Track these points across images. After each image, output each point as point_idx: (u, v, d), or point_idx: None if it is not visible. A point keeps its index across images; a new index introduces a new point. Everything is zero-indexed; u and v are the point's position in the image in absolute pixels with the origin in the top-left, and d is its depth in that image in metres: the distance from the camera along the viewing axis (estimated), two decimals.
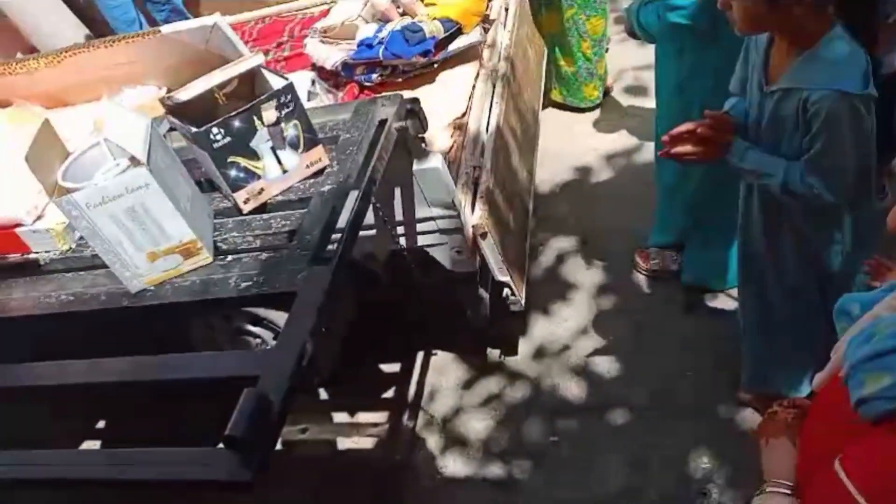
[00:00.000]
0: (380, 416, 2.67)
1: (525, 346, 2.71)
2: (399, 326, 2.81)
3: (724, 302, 2.58)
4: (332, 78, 2.67)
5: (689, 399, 2.34)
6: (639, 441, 2.29)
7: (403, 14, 2.65)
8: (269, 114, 1.50)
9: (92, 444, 2.84)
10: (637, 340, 2.58)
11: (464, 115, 2.36)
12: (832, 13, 1.43)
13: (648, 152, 3.26)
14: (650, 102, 3.50)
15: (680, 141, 1.63)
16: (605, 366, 2.55)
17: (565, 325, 2.72)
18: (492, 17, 2.71)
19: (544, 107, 3.45)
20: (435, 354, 2.80)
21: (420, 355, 2.81)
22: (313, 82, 2.62)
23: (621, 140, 3.38)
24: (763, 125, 1.60)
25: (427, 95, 2.33)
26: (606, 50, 3.55)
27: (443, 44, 2.53)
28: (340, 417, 2.70)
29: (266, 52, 2.96)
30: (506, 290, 2.33)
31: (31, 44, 3.40)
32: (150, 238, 1.45)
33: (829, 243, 1.71)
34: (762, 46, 1.58)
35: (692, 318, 2.58)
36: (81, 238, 1.76)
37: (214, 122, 1.48)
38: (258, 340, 2.28)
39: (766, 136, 1.60)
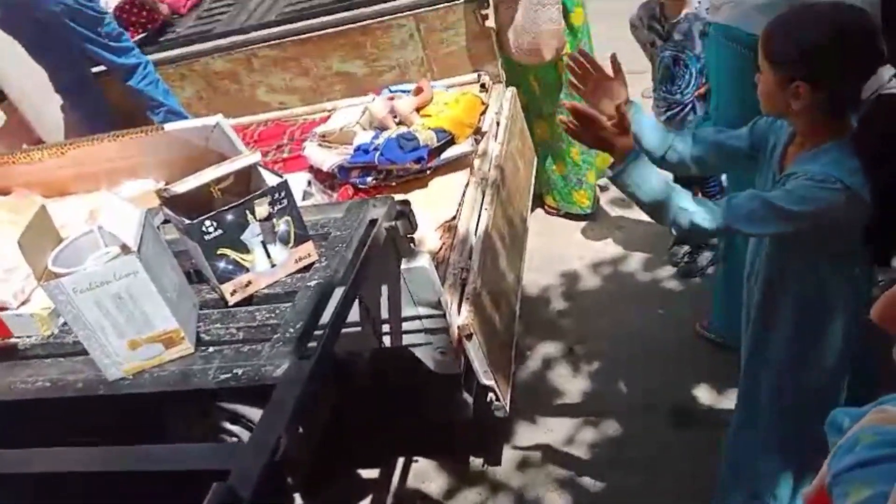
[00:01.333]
0: None
1: (509, 455, 2.64)
2: (379, 429, 2.74)
3: (715, 416, 2.54)
4: (328, 179, 2.76)
5: None
6: None
7: (399, 123, 2.77)
8: (262, 209, 1.55)
9: None
10: (623, 454, 2.52)
11: (454, 218, 2.42)
12: (851, 126, 1.47)
13: (636, 263, 3.33)
14: (637, 214, 3.61)
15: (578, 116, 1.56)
16: (590, 479, 2.48)
17: (551, 435, 2.67)
18: (483, 130, 2.83)
19: (535, 209, 3.53)
20: (416, 461, 2.72)
21: (400, 461, 2.73)
22: (309, 182, 2.71)
23: (608, 250, 3.44)
24: None
25: (419, 199, 2.40)
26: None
27: (436, 152, 2.64)
28: None
29: (266, 153, 3.06)
30: (490, 395, 2.30)
31: (38, 135, 3.51)
32: (134, 326, 1.45)
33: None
34: (783, 141, 1.61)
35: (681, 432, 2.54)
36: (65, 324, 1.75)
37: (207, 215, 1.51)
38: (234, 439, 2.23)
39: None
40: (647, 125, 1.75)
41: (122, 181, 2.15)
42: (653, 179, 1.54)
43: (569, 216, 3.70)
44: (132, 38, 3.44)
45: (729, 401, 2.54)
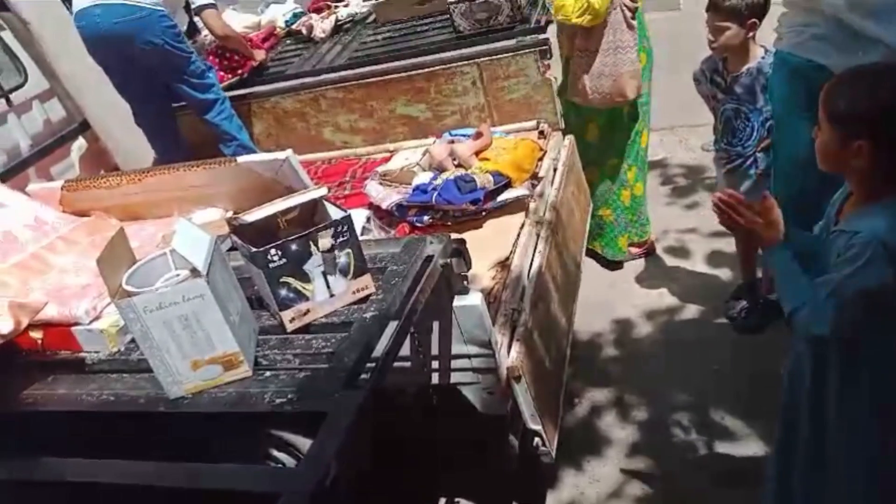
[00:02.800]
0: None
1: (553, 502, 2.60)
2: (422, 466, 2.74)
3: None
4: (386, 217, 2.83)
5: None
6: None
7: (458, 166, 2.83)
8: (325, 241, 1.61)
9: None
10: None
11: (507, 258, 2.45)
12: None
13: (690, 314, 3.28)
14: (691, 265, 3.58)
15: (731, 209, 1.67)
16: None
17: (598, 486, 2.62)
18: (540, 175, 2.87)
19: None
20: (458, 502, 2.70)
21: (442, 502, 2.71)
22: (368, 219, 2.78)
23: (663, 300, 3.40)
24: (816, 263, 1.62)
25: (474, 239, 2.44)
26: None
27: (492, 195, 2.68)
28: None
29: (329, 189, 3.16)
30: (537, 440, 2.28)
31: (116, 163, 3.71)
32: (197, 346, 1.51)
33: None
34: (840, 197, 1.64)
35: (732, 493, 2.45)
36: (131, 342, 1.84)
37: (273, 244, 1.58)
38: (280, 466, 2.26)
39: (815, 273, 1.60)
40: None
41: (194, 209, 2.26)
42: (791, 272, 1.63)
43: (614, 264, 3.68)
44: (222, 81, 3.60)
45: None
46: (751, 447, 2.59)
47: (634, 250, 3.67)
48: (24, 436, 1.92)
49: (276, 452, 2.25)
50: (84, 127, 3.78)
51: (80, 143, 3.77)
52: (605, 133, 3.42)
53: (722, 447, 2.62)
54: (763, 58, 2.62)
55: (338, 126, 3.59)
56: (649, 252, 3.69)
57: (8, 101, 3.56)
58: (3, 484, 1.68)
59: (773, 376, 2.77)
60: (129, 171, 2.42)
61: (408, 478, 2.70)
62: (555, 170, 2.99)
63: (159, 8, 3.19)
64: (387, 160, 3.19)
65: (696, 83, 2.95)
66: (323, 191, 1.70)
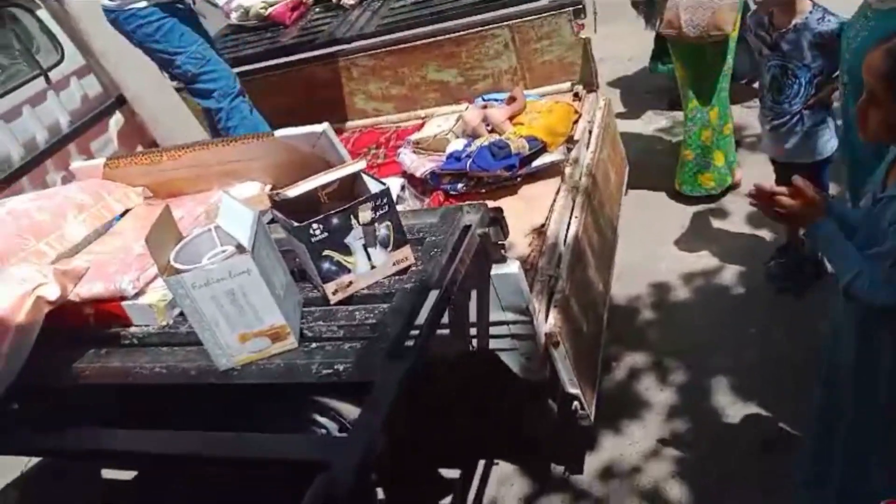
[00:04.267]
0: None
1: (592, 464, 2.63)
2: (462, 430, 2.79)
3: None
4: (420, 185, 2.84)
5: None
6: None
7: (492, 131, 2.82)
8: (365, 214, 1.62)
9: None
10: (710, 473, 2.46)
11: (543, 224, 2.44)
12: None
13: (730, 277, 3.24)
14: (731, 226, 3.53)
15: (768, 199, 1.65)
16: (675, 494, 2.43)
17: (636, 447, 2.64)
18: (576, 139, 2.84)
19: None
20: (497, 464, 2.75)
21: (481, 463, 2.76)
22: (403, 188, 2.79)
23: (702, 262, 3.36)
24: (862, 231, 1.60)
25: (509, 206, 2.43)
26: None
27: (527, 160, 2.67)
28: None
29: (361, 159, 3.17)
30: (575, 403, 2.30)
31: (153, 138, 3.76)
32: (245, 320, 1.55)
33: None
34: (886, 164, 1.61)
35: (769, 457, 2.45)
36: (178, 315, 1.89)
37: (315, 219, 1.60)
38: (323, 431, 2.33)
39: (862, 241, 1.59)
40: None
41: (233, 183, 2.29)
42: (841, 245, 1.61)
43: (693, 199, 3.71)
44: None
45: None
46: (791, 410, 2.57)
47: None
48: (79, 408, 2.01)
49: (319, 418, 2.31)
50: (120, 102, 3.83)
51: (117, 118, 3.83)
52: (689, 71, 3.41)
53: (762, 410, 2.61)
54: (811, 13, 2.53)
55: (369, 94, 3.58)
56: (733, 187, 3.71)
57: (47, 78, 3.62)
58: (63, 454, 1.77)
59: (814, 337, 2.76)
60: (169, 147, 2.46)
61: (448, 441, 2.76)
62: (590, 132, 2.96)
63: (126, 8, 2.94)
64: (419, 127, 3.18)
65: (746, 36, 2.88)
66: (361, 164, 1.71)
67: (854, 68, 2.03)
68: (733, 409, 2.65)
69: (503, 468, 2.72)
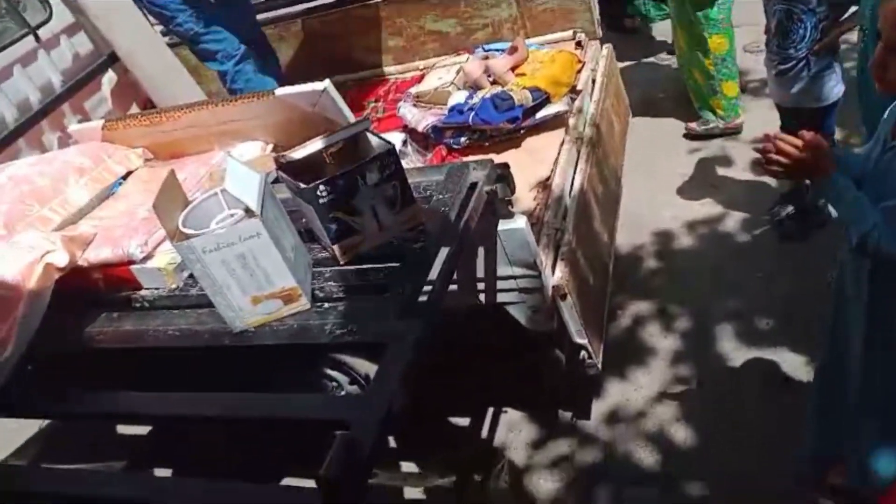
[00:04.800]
0: (447, 469, 2.67)
1: (598, 410, 2.68)
2: (472, 380, 2.83)
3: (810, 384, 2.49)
4: (422, 139, 2.81)
5: (769, 480, 2.26)
6: None
7: (494, 83, 2.77)
8: (372, 174, 1.61)
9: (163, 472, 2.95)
10: (715, 416, 2.51)
11: (548, 178, 2.43)
12: None
13: (733, 223, 3.24)
14: (734, 172, 3.51)
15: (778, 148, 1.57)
16: (681, 437, 2.49)
17: (641, 392, 2.69)
18: (579, 88, 2.80)
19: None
20: (505, 412, 2.80)
21: (490, 411, 2.82)
22: (405, 142, 2.76)
23: (705, 209, 3.36)
24: (870, 179, 1.58)
25: (513, 160, 2.41)
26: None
27: (530, 112, 2.63)
28: (408, 466, 2.71)
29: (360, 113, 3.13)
30: (583, 353, 2.33)
31: (148, 96, 3.70)
32: (256, 283, 1.56)
33: None
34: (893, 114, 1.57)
35: (775, 398, 2.50)
36: (188, 278, 1.90)
37: (322, 180, 1.59)
38: (334, 384, 2.36)
39: (870, 190, 1.56)
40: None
41: (234, 143, 2.27)
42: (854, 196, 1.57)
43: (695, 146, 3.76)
44: None
45: None
46: (796, 354, 2.61)
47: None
48: (92, 372, 2.04)
49: (330, 371, 2.35)
50: (112, 59, 3.74)
51: (110, 76, 3.75)
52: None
53: (766, 354, 2.65)
54: None
55: (366, 46, 3.51)
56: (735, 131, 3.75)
57: (36, 37, 3.52)
58: (81, 417, 1.79)
59: (818, 282, 2.79)
60: (168, 107, 2.43)
61: (457, 391, 2.80)
62: (593, 82, 2.91)
63: None
64: (418, 80, 3.13)
65: None
66: (366, 124, 1.69)
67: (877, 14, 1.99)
68: (738, 354, 2.69)
69: (511, 415, 2.77)
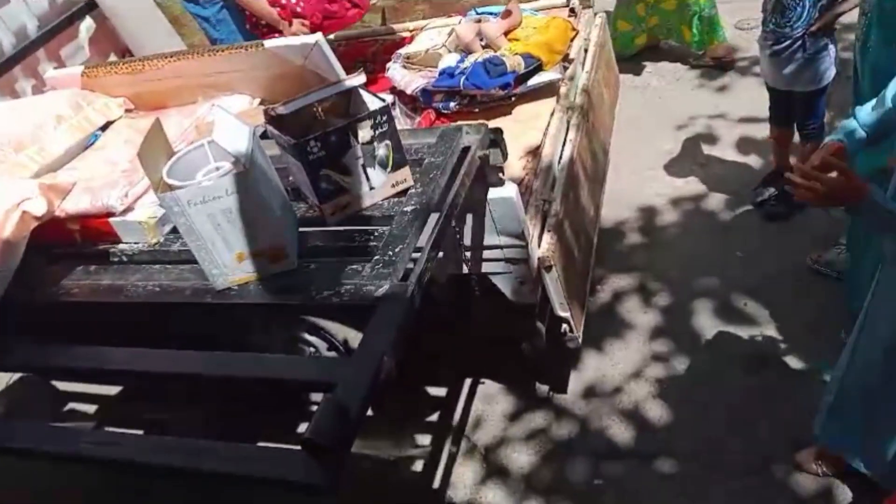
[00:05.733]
0: (422, 439, 2.68)
1: (575, 384, 2.69)
2: (450, 350, 2.83)
3: (791, 362, 2.53)
4: (410, 102, 2.75)
5: (741, 456, 2.30)
6: (686, 494, 2.25)
7: (486, 47, 2.72)
8: (365, 132, 1.57)
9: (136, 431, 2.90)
10: (691, 392, 2.54)
11: (538, 147, 2.40)
12: None
13: (716, 202, 3.25)
14: (720, 151, 3.51)
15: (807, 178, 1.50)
16: (656, 413, 2.52)
17: (619, 367, 2.70)
18: (571, 57, 2.76)
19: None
20: (483, 383, 2.80)
21: (468, 382, 2.81)
22: (393, 104, 2.70)
23: (689, 187, 3.37)
24: None
25: (503, 126, 2.37)
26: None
27: (522, 78, 2.58)
28: (383, 435, 2.71)
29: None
30: (564, 326, 2.33)
31: (126, 46, 3.58)
32: (241, 240, 1.52)
33: None
34: None
35: (750, 377, 2.53)
36: (170, 232, 1.84)
37: (313, 136, 1.54)
38: (312, 349, 2.33)
39: None
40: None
41: (219, 95, 2.19)
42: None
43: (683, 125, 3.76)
44: None
45: (805, 350, 2.52)
46: (772, 333, 2.65)
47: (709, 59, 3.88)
48: (68, 325, 1.98)
49: (308, 336, 2.32)
50: (91, 6, 3.60)
51: (88, 24, 3.60)
52: None
53: (743, 332, 2.68)
54: None
55: (354, 4, 3.41)
56: (726, 67, 3.84)
57: None
58: (58, 371, 1.74)
59: (798, 263, 2.82)
60: (151, 56, 2.33)
61: (435, 361, 2.80)
62: (586, 51, 2.87)
63: None
64: (408, 41, 3.06)
65: None
66: (361, 79, 1.64)
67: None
68: (715, 332, 2.71)
69: (488, 387, 2.78)
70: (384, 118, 1.61)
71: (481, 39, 2.74)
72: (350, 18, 3.12)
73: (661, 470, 2.35)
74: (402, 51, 2.90)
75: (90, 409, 3.09)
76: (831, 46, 2.60)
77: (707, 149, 3.54)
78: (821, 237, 2.88)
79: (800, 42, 2.59)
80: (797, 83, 2.68)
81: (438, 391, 2.83)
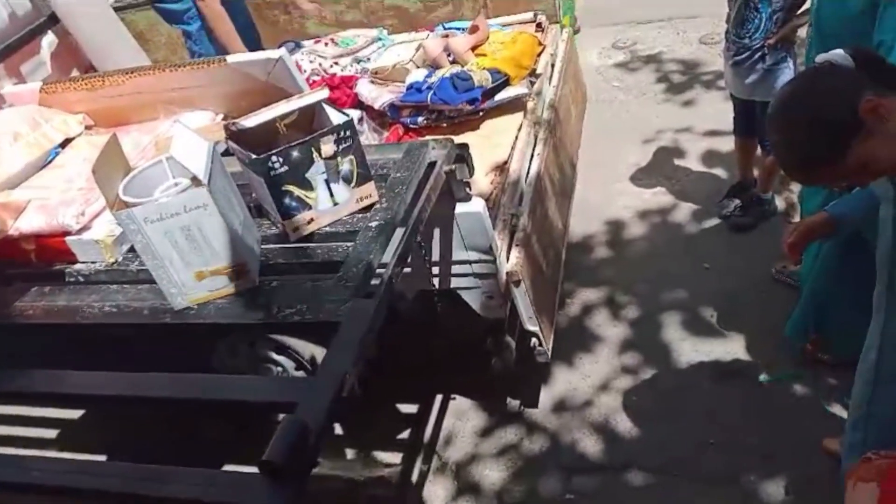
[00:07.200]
0: (393, 457, 2.64)
1: (546, 398, 2.68)
2: (420, 366, 2.80)
3: (758, 372, 2.54)
4: (378, 117, 2.74)
5: (712, 468, 2.30)
6: None
7: (454, 62, 2.72)
8: (328, 147, 1.55)
9: (99, 457, 2.83)
10: (660, 404, 2.54)
11: (506, 162, 2.40)
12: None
13: (683, 214, 3.28)
14: (686, 163, 3.56)
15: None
16: (626, 426, 2.51)
17: (589, 381, 2.70)
18: (538, 72, 2.77)
19: None
20: (454, 398, 2.78)
21: (439, 398, 2.79)
22: (360, 120, 2.69)
23: (657, 199, 3.39)
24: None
25: (471, 141, 2.37)
26: None
27: (490, 93, 2.60)
28: (353, 454, 2.67)
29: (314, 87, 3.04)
30: (533, 340, 2.33)
31: (90, 61, 3.52)
32: (201, 258, 1.48)
33: None
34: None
35: (719, 387, 2.54)
36: (128, 252, 1.80)
37: (274, 151, 1.52)
38: (279, 369, 2.29)
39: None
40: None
41: (180, 111, 2.16)
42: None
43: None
44: None
45: (772, 360, 2.54)
46: (739, 343, 2.66)
47: None
48: (26, 347, 1.92)
49: (274, 355, 2.28)
50: (53, 21, 3.54)
51: (50, 39, 3.54)
52: None
53: (710, 343, 2.69)
54: None
55: (322, 18, 3.42)
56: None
57: None
58: (11, 396, 1.68)
59: (764, 274, 2.85)
60: (112, 71, 2.29)
61: (406, 378, 2.77)
62: (553, 66, 2.89)
63: None
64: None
65: None
66: (324, 93, 1.62)
67: (822, 18, 2.01)
68: (685, 343, 2.72)
69: (460, 403, 2.75)
70: (348, 133, 1.59)
71: (449, 54, 2.75)
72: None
73: (633, 482, 2.34)
74: (370, 66, 2.90)
75: (49, 433, 3.00)
76: (789, 59, 2.65)
77: (674, 162, 3.58)
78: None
79: (759, 53, 2.63)
80: (757, 93, 2.73)
81: (409, 408, 2.80)
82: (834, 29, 1.93)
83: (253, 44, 3.19)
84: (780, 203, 3.12)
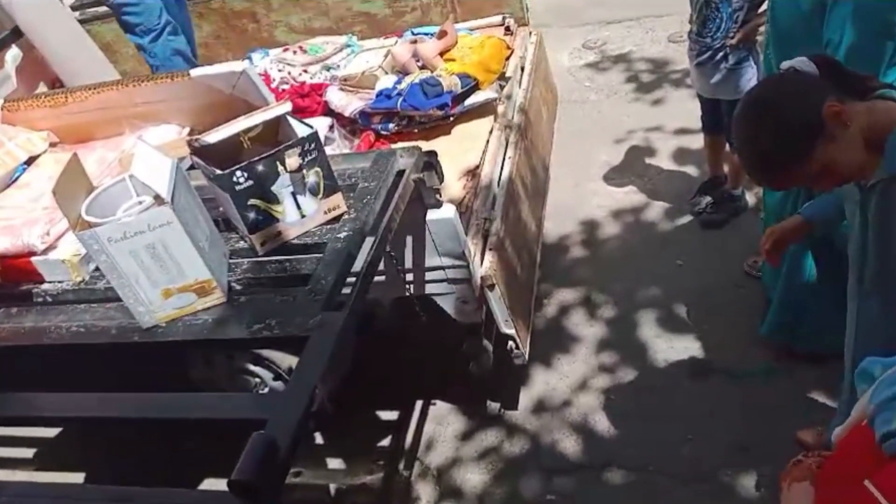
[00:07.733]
0: (375, 465, 2.64)
1: (525, 400, 2.69)
2: (399, 373, 2.80)
3: (733, 367, 2.57)
4: (349, 125, 2.74)
5: (690, 465, 2.32)
6: None
7: (423, 67, 2.73)
8: (293, 160, 1.54)
9: (79, 477, 2.79)
10: (638, 402, 2.56)
11: (477, 166, 2.41)
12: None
13: (656, 212, 3.31)
14: (657, 162, 3.59)
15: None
16: (605, 425, 2.53)
17: (567, 381, 2.71)
18: (508, 75, 2.78)
19: None
20: (434, 404, 2.78)
21: (419, 404, 2.79)
22: (331, 128, 2.69)
23: (629, 198, 3.42)
24: (872, 220, 1.45)
25: (442, 146, 2.39)
26: None
27: (459, 98, 2.60)
28: (335, 463, 2.67)
29: (283, 96, 3.03)
30: (510, 343, 2.33)
31: (56, 75, 3.47)
32: (167, 275, 1.47)
33: None
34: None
35: (696, 383, 2.57)
36: (96, 270, 1.78)
37: (238, 166, 1.51)
38: (257, 380, 2.28)
39: (877, 229, 1.44)
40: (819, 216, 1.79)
41: (146, 126, 2.14)
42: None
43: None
44: None
45: (747, 354, 2.57)
46: (714, 339, 2.69)
47: None
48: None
49: (251, 367, 2.26)
50: (17, 35, 3.49)
51: (14, 53, 3.49)
52: None
53: (686, 340, 2.71)
54: None
55: (291, 26, 3.41)
56: None
57: None
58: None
59: (736, 270, 2.89)
60: (76, 87, 2.27)
61: (385, 385, 2.76)
62: (522, 69, 2.90)
63: None
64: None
65: None
66: (287, 106, 1.62)
67: (777, 18, 2.03)
68: (661, 340, 2.75)
69: (440, 408, 2.75)
70: (312, 145, 1.59)
71: (417, 60, 2.75)
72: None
73: (612, 481, 2.35)
74: (339, 73, 2.89)
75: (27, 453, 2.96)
76: (752, 58, 2.68)
77: (645, 160, 3.61)
78: (756, 243, 2.94)
79: (722, 53, 2.66)
80: (721, 92, 2.76)
81: (389, 415, 2.80)
82: (789, 28, 1.96)
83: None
84: (750, 198, 3.15)
